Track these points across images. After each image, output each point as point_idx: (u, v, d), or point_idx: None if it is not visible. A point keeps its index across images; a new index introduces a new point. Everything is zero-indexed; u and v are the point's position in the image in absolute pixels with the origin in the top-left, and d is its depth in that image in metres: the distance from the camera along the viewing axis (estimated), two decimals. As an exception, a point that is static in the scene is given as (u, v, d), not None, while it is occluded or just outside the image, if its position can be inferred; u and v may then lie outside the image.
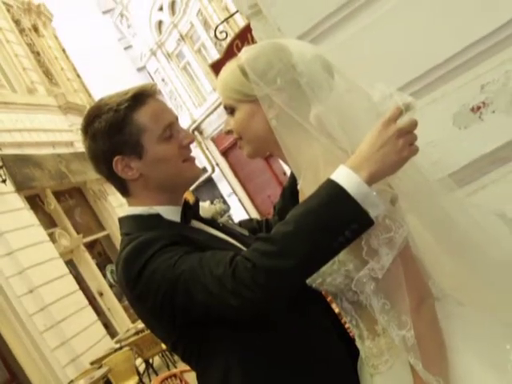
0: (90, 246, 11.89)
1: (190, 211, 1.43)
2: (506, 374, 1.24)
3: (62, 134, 12.13)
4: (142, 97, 1.37)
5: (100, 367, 8.00)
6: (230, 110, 1.39)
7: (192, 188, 1.58)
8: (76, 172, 11.46)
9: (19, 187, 9.74)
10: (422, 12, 1.72)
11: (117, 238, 10.92)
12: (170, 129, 1.38)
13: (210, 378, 1.34)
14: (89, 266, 11.32)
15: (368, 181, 1.15)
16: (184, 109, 18.02)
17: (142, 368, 8.95)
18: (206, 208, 1.51)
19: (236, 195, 17.23)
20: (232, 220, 1.64)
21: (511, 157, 1.70)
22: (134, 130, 1.35)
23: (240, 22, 12.43)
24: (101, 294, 11.28)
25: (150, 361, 8.77)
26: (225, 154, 17.28)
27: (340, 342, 1.39)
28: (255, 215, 15.65)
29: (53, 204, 10.76)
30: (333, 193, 1.15)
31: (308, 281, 1.29)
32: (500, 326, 1.30)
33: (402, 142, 1.17)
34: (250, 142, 1.39)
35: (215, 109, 16.26)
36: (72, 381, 8.28)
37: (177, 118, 1.42)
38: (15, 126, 10.64)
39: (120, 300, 11.30)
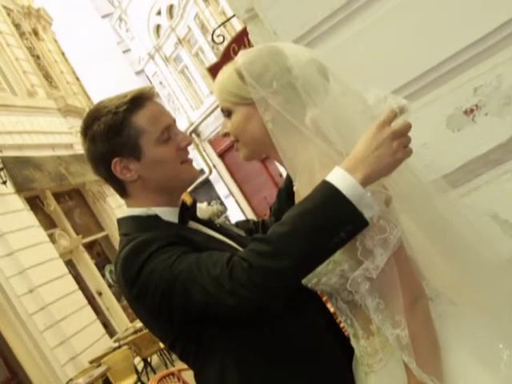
0: (89, 247, 11.92)
1: (188, 212, 1.44)
2: (499, 372, 1.25)
3: (61, 137, 12.16)
4: (140, 100, 1.39)
5: (99, 366, 8.02)
6: (227, 113, 1.40)
7: (189, 189, 1.58)
8: (75, 174, 11.49)
9: (19, 188, 9.77)
10: (416, 16, 1.72)
11: (115, 239, 10.93)
12: (167, 131, 1.39)
13: (208, 376, 1.35)
14: (88, 266, 11.36)
15: (363, 182, 1.16)
16: (181, 111, 18.06)
17: (140, 366, 9.00)
18: (203, 209, 1.52)
19: (233, 196, 17.27)
20: (229, 221, 1.65)
21: (503, 159, 1.71)
22: (133, 132, 1.36)
23: (237, 25, 12.42)
24: (100, 294, 11.32)
25: (149, 359, 8.80)
26: (222, 156, 17.34)
27: (335, 341, 1.41)
28: (252, 216, 15.67)
29: (52, 205, 10.79)
30: (328, 194, 1.16)
31: (304, 281, 1.30)
32: (493, 326, 1.31)
33: (397, 144, 1.18)
34: (247, 144, 1.40)
35: (212, 111, 16.31)
36: (71, 379, 8.29)
37: (174, 121, 1.43)
38: (15, 128, 10.67)
39: (119, 300, 11.34)
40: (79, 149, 10.44)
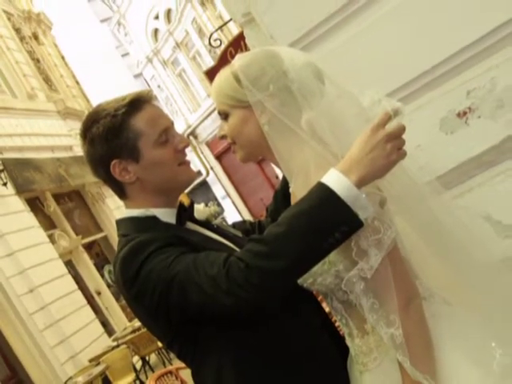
0: (89, 247, 11.95)
1: (186, 213, 1.45)
2: (492, 371, 1.26)
3: (61, 139, 12.18)
4: (138, 103, 1.40)
5: (98, 364, 8.02)
6: (224, 116, 1.41)
7: (187, 191, 1.59)
8: (75, 175, 11.52)
9: (20, 190, 9.80)
10: (410, 20, 1.74)
11: (114, 240, 10.98)
12: (165, 133, 1.40)
13: (205, 376, 1.37)
14: (87, 266, 11.40)
15: (358, 184, 1.18)
16: (179, 114, 18.09)
17: (138, 365, 9.03)
18: (200, 210, 1.53)
19: (230, 198, 17.30)
20: (226, 222, 1.66)
21: (497, 160, 1.72)
22: (131, 134, 1.37)
23: (234, 29, 12.45)
24: (99, 294, 11.35)
25: (147, 358, 8.81)
26: (219, 158, 17.37)
27: (330, 340, 1.42)
28: (248, 217, 15.65)
29: (52, 206, 10.82)
30: (323, 195, 1.18)
31: (299, 281, 1.31)
32: (486, 325, 1.32)
33: (391, 147, 1.19)
34: (243, 146, 1.42)
35: (209, 114, 16.34)
36: (71, 377, 8.28)
37: (172, 123, 1.45)
38: (16, 130, 10.69)
39: (117, 299, 11.38)
40: (78, 151, 10.45)
